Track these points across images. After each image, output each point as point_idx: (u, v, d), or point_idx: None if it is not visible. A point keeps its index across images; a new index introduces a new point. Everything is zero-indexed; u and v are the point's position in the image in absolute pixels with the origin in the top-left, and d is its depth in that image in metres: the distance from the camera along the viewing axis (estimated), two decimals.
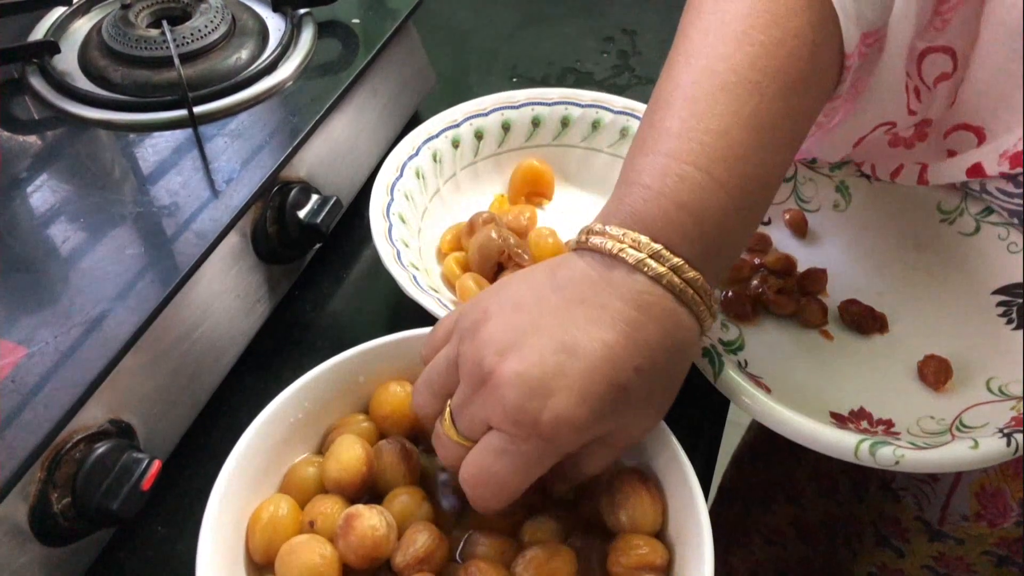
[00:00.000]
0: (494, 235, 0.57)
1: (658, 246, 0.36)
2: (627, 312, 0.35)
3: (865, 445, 0.40)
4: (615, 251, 0.36)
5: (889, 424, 0.44)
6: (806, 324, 0.49)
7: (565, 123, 0.67)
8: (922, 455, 0.40)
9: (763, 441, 0.79)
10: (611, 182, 0.65)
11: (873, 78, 0.46)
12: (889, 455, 0.40)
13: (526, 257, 0.57)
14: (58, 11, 0.66)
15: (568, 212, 0.66)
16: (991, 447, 0.40)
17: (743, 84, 0.38)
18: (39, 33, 0.64)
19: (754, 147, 0.38)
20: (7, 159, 0.54)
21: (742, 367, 0.46)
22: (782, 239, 0.53)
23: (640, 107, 0.66)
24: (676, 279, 0.36)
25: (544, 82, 0.79)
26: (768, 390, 0.44)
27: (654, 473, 0.42)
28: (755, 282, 0.50)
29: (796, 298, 0.50)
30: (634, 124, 0.66)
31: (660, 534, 0.42)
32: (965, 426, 0.43)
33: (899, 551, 0.67)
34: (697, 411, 0.55)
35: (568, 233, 0.62)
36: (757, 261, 0.51)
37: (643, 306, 0.36)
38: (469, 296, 0.56)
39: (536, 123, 0.67)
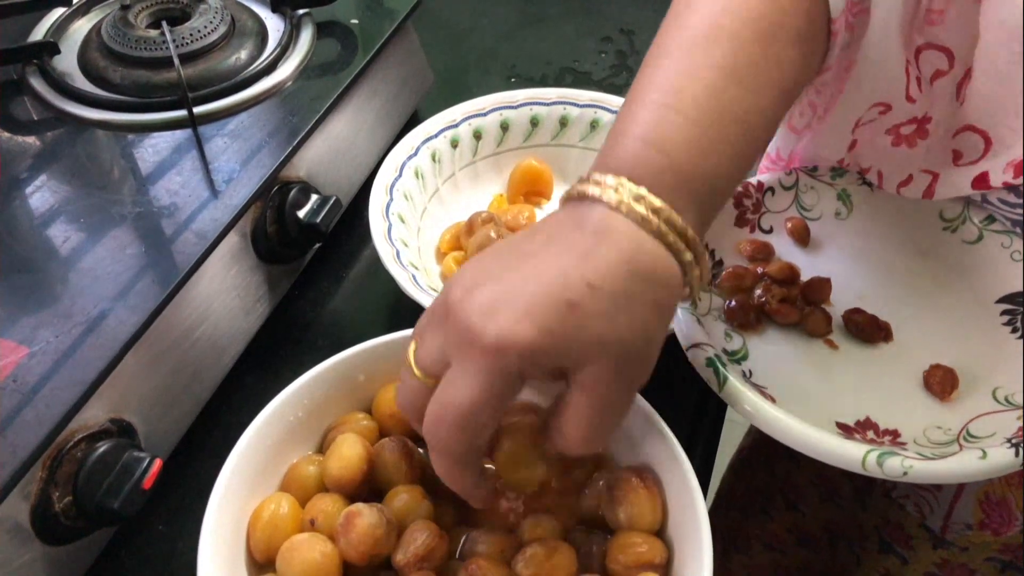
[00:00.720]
0: (493, 234, 0.57)
1: (641, 188, 0.36)
2: (584, 239, 0.35)
3: (873, 456, 0.40)
4: (595, 195, 0.36)
5: (896, 434, 0.44)
6: (810, 333, 0.49)
7: (563, 123, 0.67)
8: (930, 466, 0.40)
9: (762, 446, 0.79)
10: None
11: (862, 52, 0.46)
12: (897, 466, 0.40)
13: None
14: (58, 12, 0.66)
15: None
16: (1000, 457, 0.40)
17: (720, 33, 0.40)
18: (39, 34, 0.64)
19: (729, 83, 0.39)
20: (7, 160, 0.55)
21: (747, 377, 0.46)
22: (785, 248, 0.53)
23: None
24: (653, 217, 0.36)
25: (542, 82, 0.79)
26: (773, 400, 0.44)
27: (653, 471, 0.43)
28: (758, 291, 0.50)
29: (800, 307, 0.50)
30: None
31: (659, 532, 0.42)
32: (972, 436, 0.43)
33: (903, 558, 0.67)
34: (695, 410, 0.55)
35: None
36: (760, 270, 0.51)
37: (601, 231, 0.35)
38: None
39: (534, 123, 0.67)
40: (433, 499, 0.43)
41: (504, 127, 0.67)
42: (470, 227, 0.60)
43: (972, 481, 0.53)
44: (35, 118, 0.59)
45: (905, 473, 0.39)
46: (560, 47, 0.83)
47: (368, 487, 0.43)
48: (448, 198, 0.65)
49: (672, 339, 0.53)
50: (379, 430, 0.46)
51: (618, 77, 0.79)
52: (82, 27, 0.66)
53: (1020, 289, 0.49)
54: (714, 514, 0.87)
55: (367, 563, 0.40)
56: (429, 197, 0.64)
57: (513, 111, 0.67)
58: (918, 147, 0.51)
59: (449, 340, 0.35)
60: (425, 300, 0.53)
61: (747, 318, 0.49)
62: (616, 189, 0.36)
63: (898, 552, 0.67)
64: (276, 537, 0.40)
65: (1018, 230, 0.50)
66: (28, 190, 0.52)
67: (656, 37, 0.43)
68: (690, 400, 0.55)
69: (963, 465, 0.40)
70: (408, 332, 0.46)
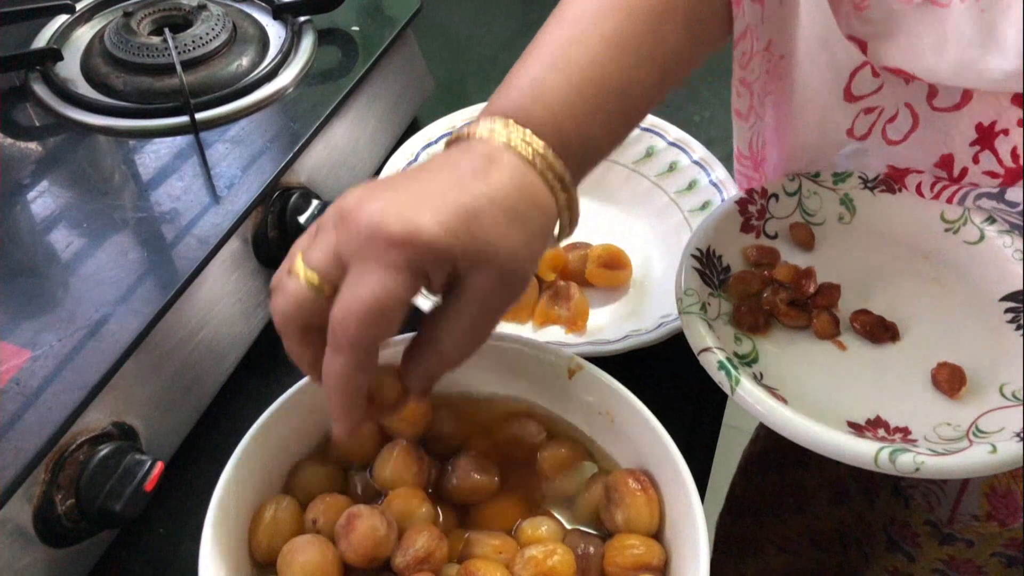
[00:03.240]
0: None
1: (514, 125, 0.38)
2: (478, 162, 0.37)
3: (885, 453, 0.41)
4: (472, 132, 0.39)
5: (906, 432, 0.45)
6: (819, 335, 0.50)
7: None
8: (942, 461, 0.41)
9: (771, 450, 0.79)
10: (606, 186, 0.67)
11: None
12: (909, 462, 0.40)
13: None
14: (61, 19, 0.66)
15: None
16: (1010, 451, 0.41)
17: (613, 6, 0.42)
18: (42, 41, 0.64)
19: (612, 57, 0.41)
20: (11, 165, 0.55)
21: (758, 379, 0.46)
22: (790, 253, 0.54)
23: None
24: (528, 150, 0.38)
25: None
26: (784, 401, 0.44)
27: (651, 474, 0.43)
28: (766, 295, 0.51)
29: (808, 310, 0.50)
30: None
31: (657, 535, 0.42)
32: (981, 432, 0.44)
33: (910, 555, 0.67)
34: (694, 415, 0.55)
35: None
36: (767, 274, 0.52)
37: (495, 161, 0.37)
38: None
39: None
40: (434, 502, 0.43)
41: None
42: None
43: (983, 475, 0.54)
44: (38, 124, 0.59)
45: (917, 469, 0.40)
46: None
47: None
48: None
49: (669, 346, 0.53)
50: (382, 433, 0.46)
51: None
52: (85, 34, 0.66)
53: (1022, 288, 0.49)
54: (726, 520, 0.87)
55: (367, 565, 0.40)
56: None
57: None
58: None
59: (349, 240, 0.35)
60: (423, 303, 0.53)
61: (756, 321, 0.50)
62: (504, 129, 0.38)
63: (905, 549, 0.67)
64: (277, 539, 0.41)
65: (1017, 231, 0.51)
66: (31, 195, 0.53)
67: (560, 1, 0.46)
68: (688, 405, 0.55)
69: (974, 460, 0.41)
70: (407, 336, 0.46)
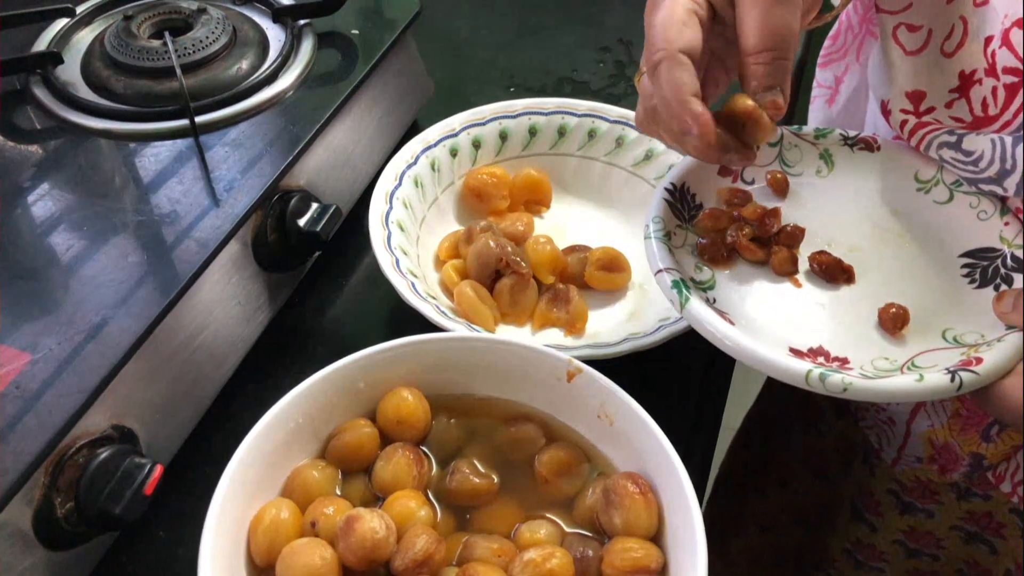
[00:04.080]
0: (492, 243, 0.58)
1: None
2: None
3: (816, 372, 0.43)
4: None
5: (844, 361, 0.46)
6: (776, 272, 0.51)
7: (562, 132, 0.68)
8: (868, 383, 0.43)
9: (754, 427, 0.81)
10: (607, 190, 0.67)
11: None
12: (838, 382, 0.43)
13: (523, 264, 0.58)
14: (61, 22, 0.66)
15: (565, 220, 0.66)
16: (935, 381, 0.43)
17: None
18: (42, 44, 0.65)
19: None
20: (11, 168, 0.55)
21: (710, 303, 0.48)
22: (763, 198, 0.55)
23: None
24: None
25: (541, 92, 0.80)
26: (732, 324, 0.46)
27: (649, 478, 0.43)
28: (730, 230, 0.52)
29: (768, 246, 0.52)
30: (630, 133, 0.66)
31: (656, 539, 0.42)
32: (916, 367, 0.45)
33: (872, 525, 0.69)
34: (691, 417, 0.55)
35: (564, 240, 0.63)
36: (736, 214, 0.53)
37: None
38: (467, 303, 0.57)
39: (533, 132, 0.68)
40: (433, 505, 0.44)
41: (503, 136, 0.67)
42: (469, 235, 0.60)
43: (907, 401, 0.58)
44: (38, 127, 0.59)
45: (845, 389, 0.42)
46: (559, 57, 0.84)
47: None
48: (447, 206, 0.66)
49: (668, 349, 0.54)
50: (381, 436, 0.46)
51: (616, 87, 0.79)
52: (85, 37, 0.66)
53: (984, 245, 0.51)
54: (711, 498, 0.88)
55: (366, 567, 0.40)
56: (428, 205, 0.64)
57: (512, 120, 0.68)
58: None
59: None
60: (424, 307, 0.54)
61: (717, 253, 0.51)
62: None
63: (868, 520, 0.69)
64: (277, 542, 0.41)
65: (984, 195, 0.52)
66: (31, 198, 0.53)
67: None
68: (687, 409, 0.55)
69: (900, 385, 0.43)
70: (407, 339, 0.47)
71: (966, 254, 0.51)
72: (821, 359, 0.46)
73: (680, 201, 0.53)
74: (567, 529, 0.44)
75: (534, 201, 0.67)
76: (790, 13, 0.42)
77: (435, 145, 0.65)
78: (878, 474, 0.66)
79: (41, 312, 0.46)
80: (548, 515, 0.44)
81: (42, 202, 0.53)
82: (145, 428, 0.47)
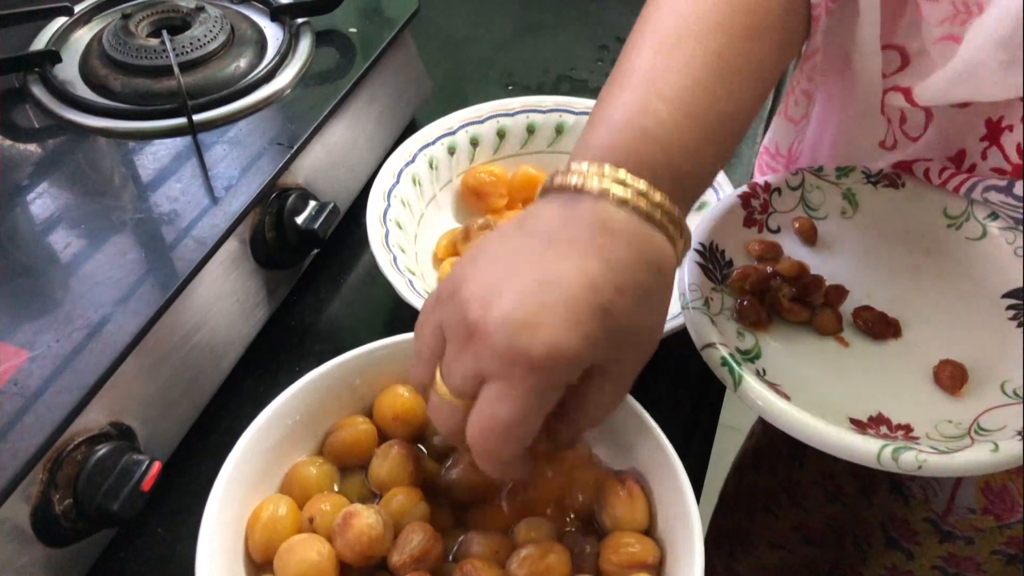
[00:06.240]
0: None
1: (622, 171, 0.37)
2: (596, 239, 0.36)
3: (888, 450, 0.41)
4: (579, 184, 0.37)
5: (908, 429, 0.45)
6: (820, 331, 0.50)
7: (559, 130, 0.68)
8: (944, 459, 0.40)
9: (765, 446, 0.80)
10: None
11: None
12: (912, 460, 0.40)
13: None
14: (59, 21, 0.67)
15: None
16: (1011, 450, 0.41)
17: (709, 26, 0.40)
18: (41, 43, 0.65)
19: (717, 82, 0.40)
20: (9, 167, 0.55)
21: (760, 375, 0.46)
22: (792, 247, 0.54)
23: None
24: (642, 202, 0.36)
25: (539, 90, 0.80)
26: (787, 397, 0.44)
27: (642, 474, 0.43)
28: (769, 291, 0.51)
29: (810, 305, 0.51)
30: None
31: (653, 533, 0.42)
32: (983, 429, 0.44)
33: (909, 553, 0.67)
34: (689, 414, 0.55)
35: None
36: (770, 269, 0.52)
37: (612, 231, 0.36)
38: None
39: (531, 130, 0.68)
40: (430, 501, 0.44)
41: (501, 134, 0.67)
42: (466, 233, 0.61)
43: (985, 474, 0.55)
44: (37, 126, 0.60)
45: (920, 467, 0.40)
46: (557, 55, 0.84)
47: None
48: (445, 204, 0.66)
49: (666, 346, 0.53)
50: (378, 433, 0.46)
51: None
52: (83, 36, 0.66)
53: (1023, 285, 0.49)
54: (719, 516, 0.87)
55: (364, 563, 0.40)
56: (426, 203, 0.64)
57: (510, 119, 0.68)
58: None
59: (485, 360, 0.35)
60: (421, 305, 0.54)
61: (759, 316, 0.50)
62: (599, 176, 0.37)
63: (904, 547, 0.67)
64: (274, 538, 0.41)
65: (1020, 227, 0.51)
66: (30, 196, 0.53)
67: (640, 21, 0.43)
68: (685, 406, 0.56)
69: (976, 458, 0.41)
70: (404, 336, 0.47)
71: (1009, 294, 0.50)
72: (884, 428, 0.44)
73: (711, 261, 0.51)
74: (564, 525, 0.44)
75: (532, 199, 0.67)
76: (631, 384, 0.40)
77: (433, 143, 0.65)
78: (913, 505, 0.64)
79: (39, 309, 0.46)
80: (545, 512, 0.44)
81: (40, 200, 0.53)
82: (143, 425, 0.47)
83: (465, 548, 0.42)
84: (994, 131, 0.49)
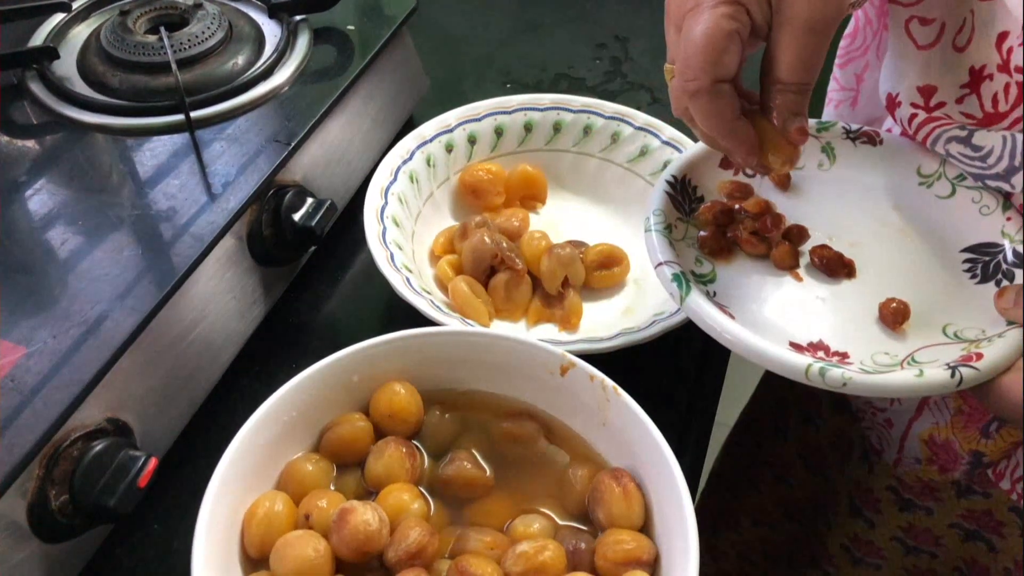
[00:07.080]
0: (487, 238, 0.58)
1: None
2: None
3: (816, 367, 0.43)
4: None
5: (844, 356, 0.46)
6: (777, 265, 0.51)
7: (557, 128, 0.68)
8: (868, 378, 0.43)
9: (750, 423, 0.81)
10: (601, 186, 0.67)
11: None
12: (837, 376, 0.42)
13: (518, 260, 0.58)
14: (57, 17, 0.66)
15: (560, 215, 0.66)
16: (935, 376, 0.43)
17: None
18: (39, 39, 0.65)
19: None
20: (7, 163, 0.55)
21: (710, 297, 0.48)
22: (765, 191, 0.55)
23: (631, 113, 0.67)
24: None
25: (537, 88, 0.80)
26: (732, 317, 0.46)
27: (638, 472, 0.43)
28: (731, 224, 0.52)
29: (769, 241, 0.52)
30: (625, 129, 0.67)
31: (649, 531, 0.42)
32: (916, 362, 0.45)
33: (870, 522, 0.69)
34: (684, 411, 0.55)
35: (559, 236, 0.63)
36: (737, 207, 0.53)
37: None
38: (461, 298, 0.57)
39: (528, 128, 0.68)
40: (426, 498, 0.44)
41: (499, 132, 0.68)
42: (464, 231, 0.61)
43: (907, 396, 0.58)
44: (34, 122, 0.60)
45: (844, 384, 0.42)
46: (555, 53, 0.84)
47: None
48: (442, 202, 0.66)
49: (662, 343, 0.54)
50: (375, 430, 0.46)
51: (612, 83, 0.79)
52: (81, 32, 0.66)
53: (986, 240, 0.51)
54: (705, 495, 0.88)
55: (360, 559, 0.40)
56: (424, 201, 0.64)
57: (508, 116, 0.68)
58: None
59: (679, 7, 0.43)
60: (419, 302, 0.54)
61: (718, 246, 0.52)
62: None
63: (866, 516, 0.69)
64: (271, 534, 0.41)
65: (987, 189, 0.52)
66: (27, 193, 0.53)
67: None
68: (680, 403, 0.56)
69: (900, 380, 0.43)
70: (401, 333, 0.47)
71: (968, 249, 0.51)
72: (821, 353, 0.46)
73: (681, 194, 0.53)
74: (560, 522, 0.44)
75: (529, 197, 0.67)
76: (824, 44, 0.43)
77: (431, 141, 0.65)
78: (877, 471, 0.66)
79: (36, 306, 0.46)
80: (541, 509, 0.44)
81: (38, 197, 0.53)
82: (140, 421, 0.47)
83: (461, 545, 0.42)
84: (976, 79, 0.49)
